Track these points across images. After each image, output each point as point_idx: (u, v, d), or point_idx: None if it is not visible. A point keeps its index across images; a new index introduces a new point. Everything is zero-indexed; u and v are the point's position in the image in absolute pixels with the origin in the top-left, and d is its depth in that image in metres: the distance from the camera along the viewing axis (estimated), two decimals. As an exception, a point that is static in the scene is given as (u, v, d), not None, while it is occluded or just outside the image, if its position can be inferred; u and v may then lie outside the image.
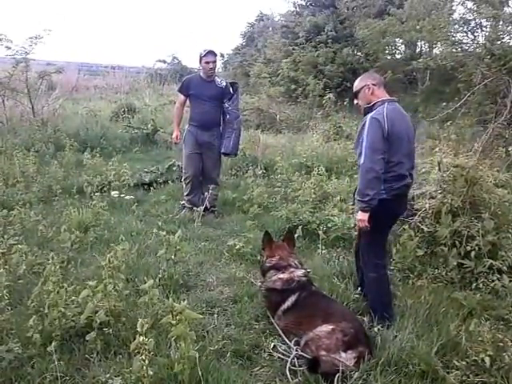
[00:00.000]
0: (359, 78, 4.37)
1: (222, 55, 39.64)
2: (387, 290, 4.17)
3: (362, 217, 3.94)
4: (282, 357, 3.58)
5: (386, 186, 3.94)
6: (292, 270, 4.24)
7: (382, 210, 3.92)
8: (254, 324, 4.03)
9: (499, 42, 11.58)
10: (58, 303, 3.46)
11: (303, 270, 4.30)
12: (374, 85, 4.19)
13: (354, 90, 4.34)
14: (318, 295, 4.12)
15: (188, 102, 7.11)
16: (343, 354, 3.36)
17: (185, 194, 7.06)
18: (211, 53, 6.75)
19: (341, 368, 3.25)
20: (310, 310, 3.86)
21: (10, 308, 3.77)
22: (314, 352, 3.43)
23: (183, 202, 7.14)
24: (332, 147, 10.90)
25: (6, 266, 4.22)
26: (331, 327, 3.51)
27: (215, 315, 4.13)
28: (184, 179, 7.08)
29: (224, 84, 6.90)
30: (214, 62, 6.82)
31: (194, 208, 6.72)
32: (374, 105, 4.13)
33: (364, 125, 3.98)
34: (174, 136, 7.19)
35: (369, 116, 4.00)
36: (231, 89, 6.92)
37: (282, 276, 4.19)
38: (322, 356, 3.36)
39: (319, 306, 3.90)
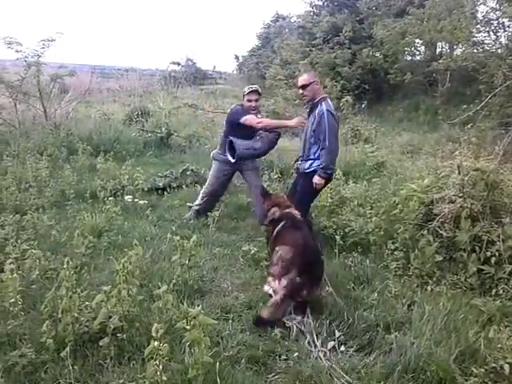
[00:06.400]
0: (307, 74, 5.78)
1: (236, 57, 39.96)
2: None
3: (321, 181, 5.52)
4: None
5: None
6: (291, 209, 5.06)
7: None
8: (270, 330, 3.98)
9: (522, 42, 11.46)
10: (71, 308, 3.45)
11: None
12: (319, 82, 5.74)
13: (304, 83, 5.61)
14: (299, 225, 4.81)
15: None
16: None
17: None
18: (255, 92, 6.49)
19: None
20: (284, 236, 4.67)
21: (23, 313, 3.76)
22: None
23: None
24: (350, 151, 10.82)
25: (20, 271, 4.23)
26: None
27: (230, 321, 4.08)
28: None
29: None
30: (257, 100, 6.55)
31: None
32: (319, 100, 5.57)
33: (322, 116, 5.42)
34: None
35: (324, 110, 5.43)
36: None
37: (281, 210, 5.03)
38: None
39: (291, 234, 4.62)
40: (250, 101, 6.49)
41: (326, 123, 5.38)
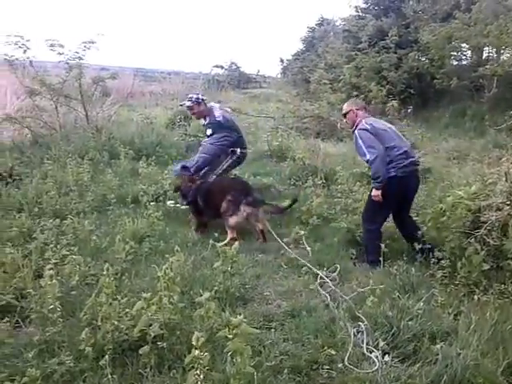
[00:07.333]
0: (346, 103, 6.24)
1: (282, 60, 39.97)
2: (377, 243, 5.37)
3: (376, 192, 5.52)
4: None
5: (391, 165, 5.53)
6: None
7: (390, 186, 5.49)
8: (313, 339, 3.92)
9: None
10: (111, 316, 3.46)
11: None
12: (357, 109, 5.97)
13: (343, 112, 6.16)
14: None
15: None
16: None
17: None
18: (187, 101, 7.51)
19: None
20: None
21: (62, 320, 3.74)
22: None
23: None
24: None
25: (59, 277, 4.26)
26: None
27: (272, 330, 4.04)
28: None
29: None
30: (191, 108, 7.64)
31: None
32: (356, 125, 5.82)
33: (355, 139, 5.69)
34: None
35: (356, 132, 5.70)
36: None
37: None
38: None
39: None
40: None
41: (359, 140, 5.61)
